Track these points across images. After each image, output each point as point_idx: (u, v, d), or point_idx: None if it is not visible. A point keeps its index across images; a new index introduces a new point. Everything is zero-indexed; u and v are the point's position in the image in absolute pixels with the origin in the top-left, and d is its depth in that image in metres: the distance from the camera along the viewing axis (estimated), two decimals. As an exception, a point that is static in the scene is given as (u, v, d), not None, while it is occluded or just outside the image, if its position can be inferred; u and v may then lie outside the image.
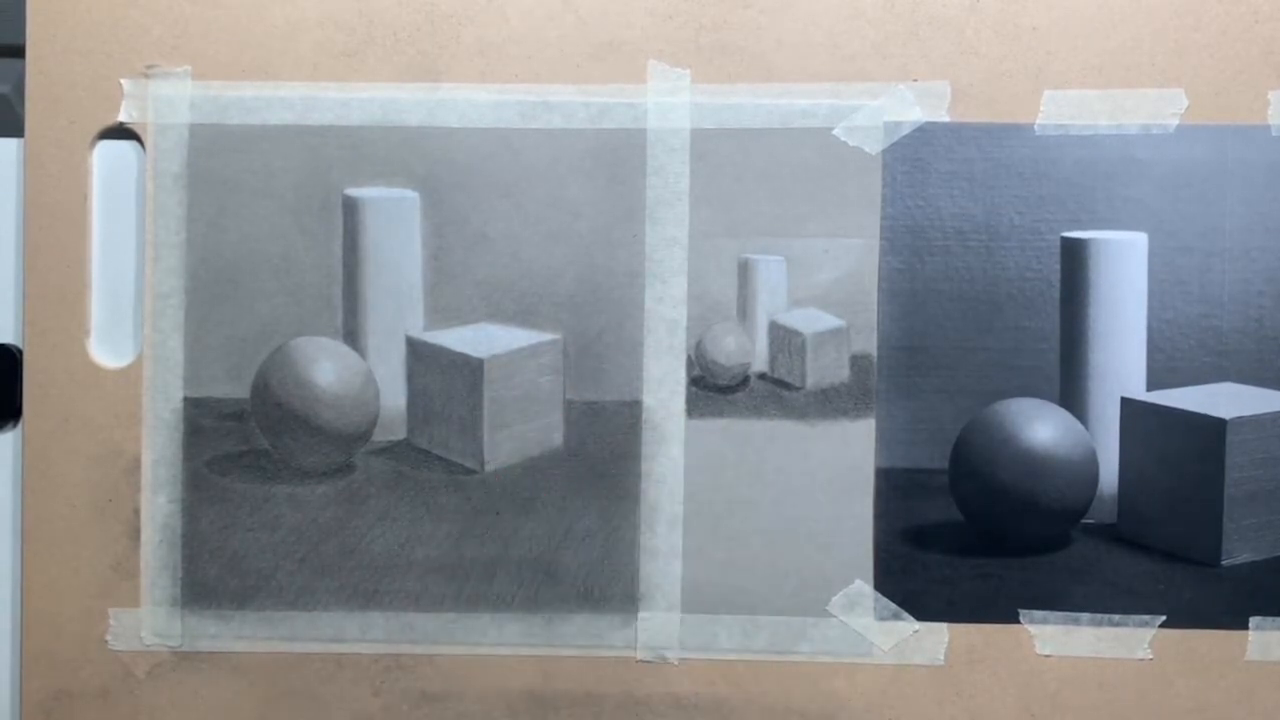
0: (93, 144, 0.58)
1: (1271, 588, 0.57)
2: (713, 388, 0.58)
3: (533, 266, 0.58)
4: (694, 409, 0.57)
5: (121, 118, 0.58)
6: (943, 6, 0.57)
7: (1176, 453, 0.57)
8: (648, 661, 0.57)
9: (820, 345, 0.57)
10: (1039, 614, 0.57)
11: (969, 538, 0.57)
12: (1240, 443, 0.56)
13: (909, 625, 0.57)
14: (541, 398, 0.58)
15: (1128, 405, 0.58)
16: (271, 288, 0.58)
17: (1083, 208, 0.57)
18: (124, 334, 0.58)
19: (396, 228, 0.58)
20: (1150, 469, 0.58)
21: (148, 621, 0.57)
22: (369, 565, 0.57)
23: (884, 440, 0.57)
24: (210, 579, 0.57)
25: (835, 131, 0.57)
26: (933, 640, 0.57)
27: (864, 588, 0.57)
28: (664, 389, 0.57)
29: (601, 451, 0.57)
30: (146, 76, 0.57)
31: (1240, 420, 0.56)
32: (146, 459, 0.57)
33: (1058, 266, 0.57)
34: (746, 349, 0.58)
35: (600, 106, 0.57)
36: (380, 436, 0.58)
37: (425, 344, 0.58)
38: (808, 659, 0.57)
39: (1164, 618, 0.57)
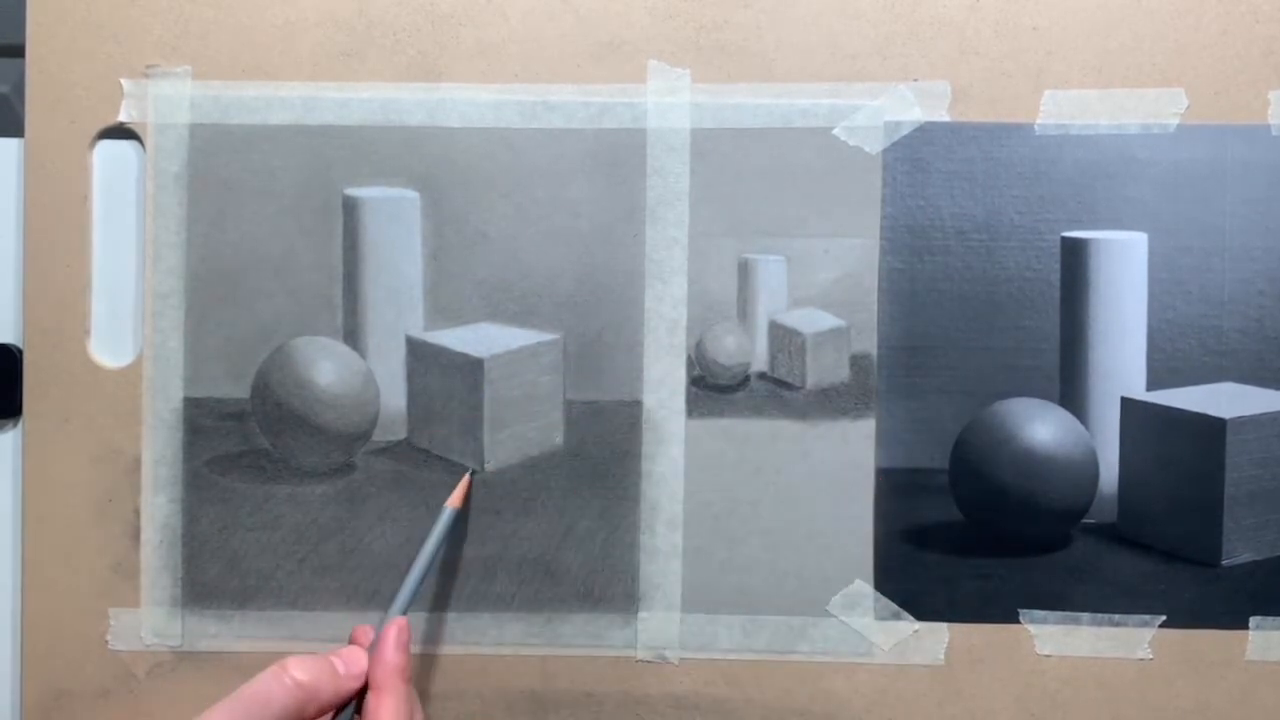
0: (93, 144, 0.58)
1: (1271, 588, 0.57)
2: (713, 388, 0.58)
3: (533, 266, 0.58)
4: (694, 409, 0.57)
5: (121, 118, 0.58)
6: (943, 6, 0.57)
7: (1176, 453, 0.57)
8: (648, 661, 0.57)
9: (820, 345, 0.57)
10: (1039, 614, 0.57)
11: (969, 538, 0.57)
12: (1240, 443, 0.56)
13: (909, 625, 0.57)
14: (541, 398, 0.58)
15: (1128, 405, 0.58)
16: (271, 288, 0.58)
17: (1083, 208, 0.57)
18: (124, 334, 0.58)
19: (396, 228, 0.58)
20: (1150, 469, 0.58)
21: (148, 621, 0.57)
22: (369, 565, 0.57)
23: (884, 440, 0.57)
24: (210, 579, 0.57)
25: (835, 131, 0.57)
26: (933, 640, 0.57)
27: (864, 588, 0.57)
28: (664, 389, 0.57)
29: (601, 451, 0.57)
30: (146, 76, 0.57)
31: (1240, 420, 0.56)
32: (146, 459, 0.57)
33: (1058, 266, 0.57)
34: (746, 349, 0.58)
35: (600, 106, 0.57)
36: (380, 436, 0.58)
37: (425, 344, 0.58)
38: (808, 659, 0.57)
39: (1164, 618, 0.57)
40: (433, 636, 0.57)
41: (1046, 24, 0.57)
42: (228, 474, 0.58)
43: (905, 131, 0.57)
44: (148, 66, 0.58)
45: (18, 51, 0.58)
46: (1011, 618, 0.57)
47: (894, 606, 0.57)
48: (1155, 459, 0.58)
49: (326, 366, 0.58)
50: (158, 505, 0.57)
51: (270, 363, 0.58)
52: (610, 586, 0.57)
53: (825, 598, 0.57)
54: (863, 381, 0.57)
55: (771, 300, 0.58)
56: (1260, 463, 0.57)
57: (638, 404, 0.57)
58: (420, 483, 0.58)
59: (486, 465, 0.58)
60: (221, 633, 0.58)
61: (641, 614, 0.57)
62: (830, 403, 0.57)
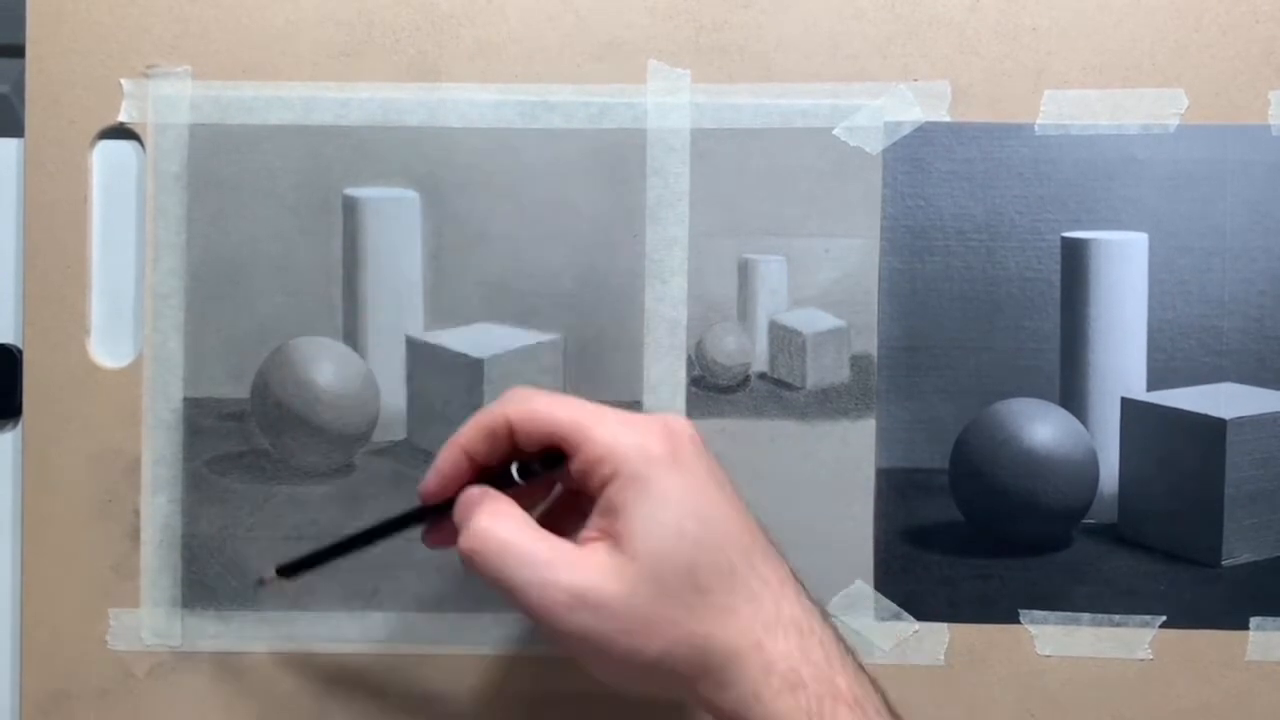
0: (93, 144, 0.58)
1: (1271, 588, 0.57)
2: (713, 388, 0.58)
3: (533, 266, 0.58)
4: (694, 409, 0.57)
5: (121, 118, 0.58)
6: (943, 6, 0.57)
7: (1176, 453, 0.57)
8: (648, 661, 0.57)
9: (820, 345, 0.57)
10: (1039, 614, 0.57)
11: (969, 538, 0.57)
12: (1240, 443, 0.56)
13: (909, 625, 0.57)
14: (541, 398, 0.58)
15: (1128, 405, 0.58)
16: (271, 288, 0.58)
17: (1083, 208, 0.57)
18: (124, 334, 0.58)
19: (396, 228, 0.58)
20: (1150, 469, 0.58)
21: (148, 621, 0.57)
22: (369, 565, 0.57)
23: (884, 440, 0.57)
24: (210, 579, 0.57)
25: (835, 131, 0.57)
26: (933, 640, 0.57)
27: (864, 588, 0.57)
28: (664, 389, 0.57)
29: (601, 451, 0.57)
30: (146, 76, 0.57)
31: (1240, 420, 0.56)
32: (146, 459, 0.57)
33: (1058, 266, 0.57)
34: (746, 349, 0.58)
35: (600, 106, 0.57)
36: (380, 436, 0.58)
37: (425, 344, 0.58)
38: (808, 659, 0.57)
39: (1164, 618, 0.57)
40: (433, 636, 0.57)
41: (1046, 24, 0.57)
42: (228, 474, 0.58)
43: (905, 131, 0.57)
44: (148, 66, 0.57)
45: (18, 51, 0.58)
46: (1011, 618, 0.57)
47: (894, 606, 0.57)
48: (1155, 459, 0.58)
49: (326, 366, 0.58)
50: (157, 505, 0.57)
51: (270, 363, 0.57)
52: (610, 586, 0.57)
53: (825, 598, 0.57)
54: (863, 381, 0.57)
55: (771, 300, 0.58)
56: (1260, 463, 0.57)
57: (638, 404, 0.57)
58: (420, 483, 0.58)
59: (486, 465, 0.58)
60: (221, 633, 0.58)
61: (641, 614, 0.57)
62: (830, 403, 0.57)
